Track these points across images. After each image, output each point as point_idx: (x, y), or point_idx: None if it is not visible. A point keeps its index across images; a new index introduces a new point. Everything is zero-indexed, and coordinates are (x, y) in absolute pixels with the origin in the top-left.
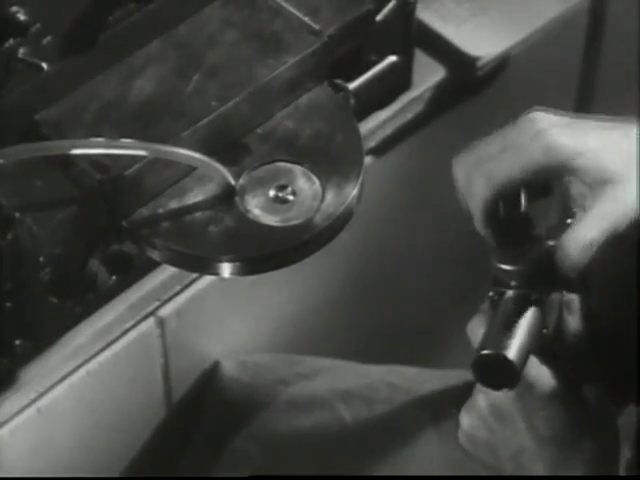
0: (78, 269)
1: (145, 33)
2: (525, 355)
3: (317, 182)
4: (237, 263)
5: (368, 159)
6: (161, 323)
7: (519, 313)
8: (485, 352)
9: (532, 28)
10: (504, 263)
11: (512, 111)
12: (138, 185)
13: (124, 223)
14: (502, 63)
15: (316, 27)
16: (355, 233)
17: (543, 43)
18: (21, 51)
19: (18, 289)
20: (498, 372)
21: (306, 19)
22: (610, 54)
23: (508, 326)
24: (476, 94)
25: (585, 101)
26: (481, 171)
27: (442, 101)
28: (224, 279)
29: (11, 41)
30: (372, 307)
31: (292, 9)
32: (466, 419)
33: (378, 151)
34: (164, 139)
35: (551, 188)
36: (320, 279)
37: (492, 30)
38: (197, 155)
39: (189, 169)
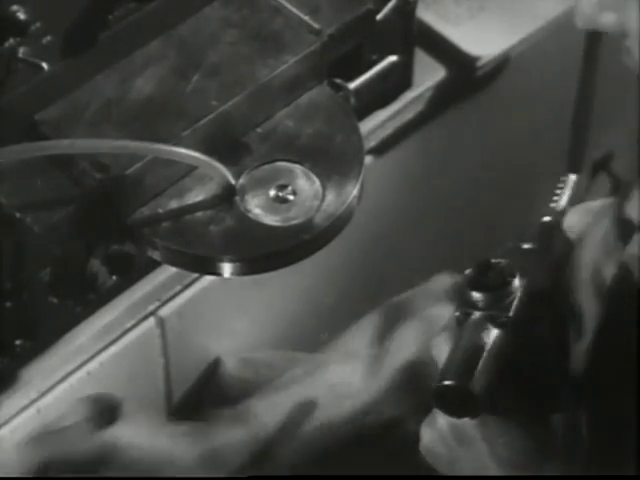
0: (78, 269)
1: (145, 32)
2: (489, 384)
3: (317, 182)
4: (237, 263)
5: (368, 159)
6: (161, 323)
7: (484, 338)
8: (447, 383)
9: (532, 28)
10: (473, 289)
11: (512, 111)
12: (138, 185)
13: (124, 223)
14: (502, 63)
15: (316, 26)
16: (355, 233)
17: (543, 43)
18: (21, 50)
19: (18, 289)
20: (460, 402)
21: (306, 18)
22: (610, 54)
23: (472, 353)
24: (476, 94)
25: (585, 101)
26: None
27: (442, 101)
28: (224, 279)
29: (11, 40)
30: (372, 306)
31: (292, 8)
32: (426, 434)
33: (378, 151)
34: (164, 139)
35: None
36: (321, 278)
37: (492, 30)
38: (197, 155)
39: (189, 169)
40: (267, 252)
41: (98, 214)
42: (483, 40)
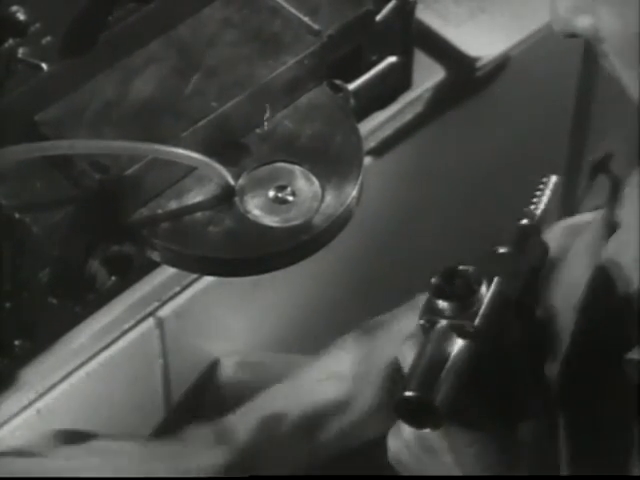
0: (78, 270)
1: (145, 33)
2: (452, 396)
3: (317, 183)
4: (237, 264)
5: (368, 159)
6: (160, 324)
7: (449, 348)
8: (409, 394)
9: (532, 28)
10: (439, 297)
11: (511, 112)
12: (138, 185)
13: (124, 224)
14: (502, 63)
15: (316, 27)
16: (355, 233)
17: (543, 43)
18: (21, 51)
19: (18, 289)
20: (421, 414)
21: (306, 19)
22: None
23: (435, 364)
24: (476, 94)
25: (584, 102)
26: None
27: (442, 101)
28: (224, 280)
29: (11, 41)
30: (372, 307)
31: (292, 9)
32: (392, 443)
33: (378, 151)
34: (164, 139)
35: None
36: (320, 279)
37: (492, 30)
38: (197, 155)
39: (189, 169)
40: (266, 253)
41: (97, 215)
42: (483, 41)
